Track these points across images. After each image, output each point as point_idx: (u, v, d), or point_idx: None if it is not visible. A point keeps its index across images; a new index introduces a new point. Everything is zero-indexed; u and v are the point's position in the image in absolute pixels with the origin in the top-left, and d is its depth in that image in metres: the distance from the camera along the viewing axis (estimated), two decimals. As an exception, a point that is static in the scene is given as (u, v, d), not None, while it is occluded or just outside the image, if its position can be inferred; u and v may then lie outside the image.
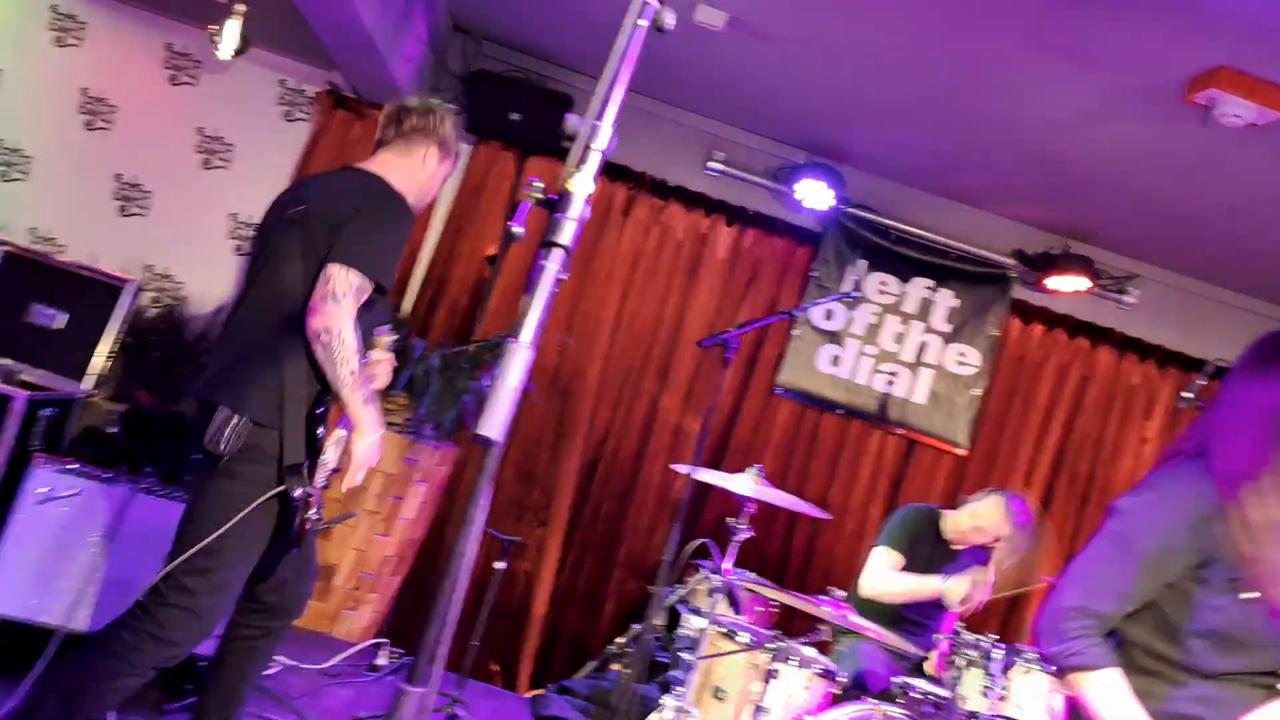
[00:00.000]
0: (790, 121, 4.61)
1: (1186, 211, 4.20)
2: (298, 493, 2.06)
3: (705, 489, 4.48)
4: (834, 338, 4.80)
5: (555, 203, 0.95)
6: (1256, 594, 1.54)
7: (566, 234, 0.94)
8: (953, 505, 3.82)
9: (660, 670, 3.69)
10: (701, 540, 3.55)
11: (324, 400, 2.15)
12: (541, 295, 0.92)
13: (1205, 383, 3.13)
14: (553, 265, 0.93)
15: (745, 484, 3.12)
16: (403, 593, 4.25)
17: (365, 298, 2.11)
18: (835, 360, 4.78)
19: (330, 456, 2.18)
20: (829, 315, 4.81)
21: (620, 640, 3.86)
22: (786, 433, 4.75)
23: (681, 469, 3.20)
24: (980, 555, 3.83)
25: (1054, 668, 1.75)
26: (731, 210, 4.78)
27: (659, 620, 3.80)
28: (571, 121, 0.98)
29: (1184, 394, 3.15)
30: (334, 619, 4.02)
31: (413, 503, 4.13)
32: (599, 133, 0.97)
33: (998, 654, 2.74)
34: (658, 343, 4.72)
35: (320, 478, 2.16)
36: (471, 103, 4.48)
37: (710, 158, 4.78)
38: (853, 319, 4.81)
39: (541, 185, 0.99)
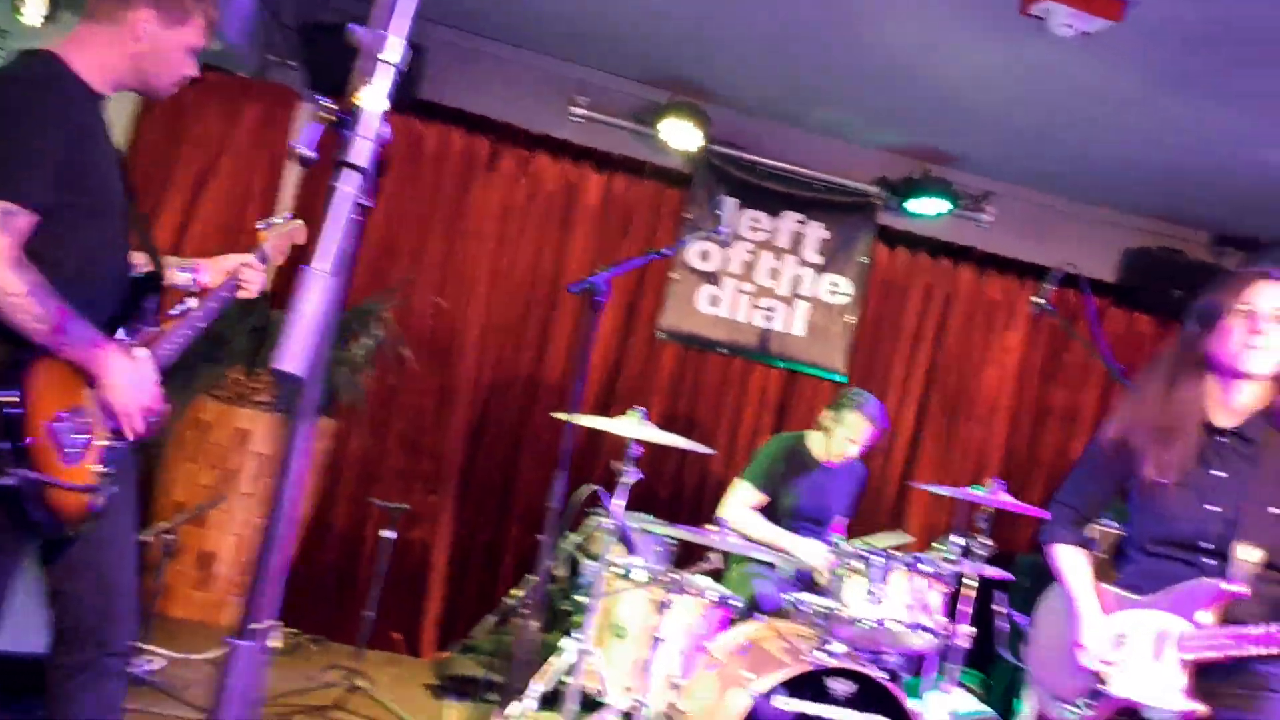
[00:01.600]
0: (650, 60, 4.56)
1: (1033, 126, 4.37)
2: (8, 482, 1.67)
3: (597, 438, 4.48)
4: (711, 278, 4.84)
5: (346, 121, 0.89)
6: (1168, 478, 2.02)
7: (361, 154, 0.89)
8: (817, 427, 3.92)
9: (564, 618, 3.72)
10: (591, 487, 3.55)
11: (18, 361, 1.72)
12: (337, 218, 0.87)
13: (1054, 288, 3.29)
14: (347, 187, 0.87)
15: (629, 427, 3.13)
16: (293, 572, 4.12)
17: (20, 223, 1.69)
18: (714, 300, 4.83)
19: (87, 417, 1.81)
20: (705, 256, 4.84)
21: (516, 592, 3.86)
22: (672, 375, 4.79)
23: (563, 417, 3.18)
24: (855, 470, 3.98)
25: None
26: (599, 157, 4.72)
27: (561, 570, 3.81)
28: (356, 33, 0.92)
29: (1034, 299, 3.30)
30: (220, 607, 3.87)
31: (293, 480, 3.99)
32: (386, 43, 0.91)
33: (878, 560, 2.85)
34: (536, 297, 4.66)
35: (85, 456, 1.79)
36: (310, 58, 4.23)
37: (573, 103, 4.69)
38: (728, 258, 4.85)
39: (332, 105, 0.92)
